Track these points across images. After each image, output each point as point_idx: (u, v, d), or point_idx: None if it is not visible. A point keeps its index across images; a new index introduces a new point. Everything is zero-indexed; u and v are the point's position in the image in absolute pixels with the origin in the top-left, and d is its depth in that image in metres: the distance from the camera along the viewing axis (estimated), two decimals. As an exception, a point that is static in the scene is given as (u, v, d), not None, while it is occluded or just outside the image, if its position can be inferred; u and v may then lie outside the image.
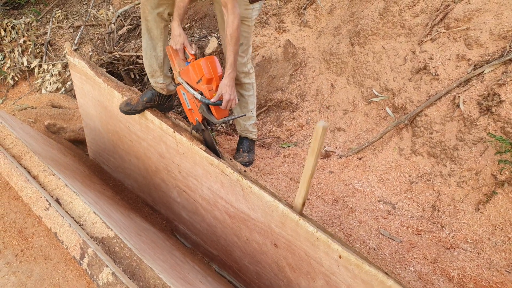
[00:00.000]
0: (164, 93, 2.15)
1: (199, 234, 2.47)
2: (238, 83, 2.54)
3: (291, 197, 2.30)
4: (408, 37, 2.87)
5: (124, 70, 3.58)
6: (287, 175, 2.55)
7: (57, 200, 1.76)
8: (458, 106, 2.22)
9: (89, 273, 1.39)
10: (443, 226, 1.99)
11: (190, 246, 2.68)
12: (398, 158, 2.44)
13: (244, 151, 2.73)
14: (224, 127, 3.41)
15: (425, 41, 2.72)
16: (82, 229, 1.62)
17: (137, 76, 3.63)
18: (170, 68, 2.14)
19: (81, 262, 1.43)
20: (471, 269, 1.71)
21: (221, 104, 1.83)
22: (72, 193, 1.76)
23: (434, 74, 2.48)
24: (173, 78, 2.20)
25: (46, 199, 1.64)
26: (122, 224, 2.01)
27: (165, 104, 2.15)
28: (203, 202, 2.16)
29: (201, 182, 2.05)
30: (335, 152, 2.75)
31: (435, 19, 2.72)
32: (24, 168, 1.84)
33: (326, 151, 2.79)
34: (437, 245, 1.89)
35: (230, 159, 2.18)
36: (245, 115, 2.51)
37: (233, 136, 3.23)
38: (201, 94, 1.86)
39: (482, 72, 2.28)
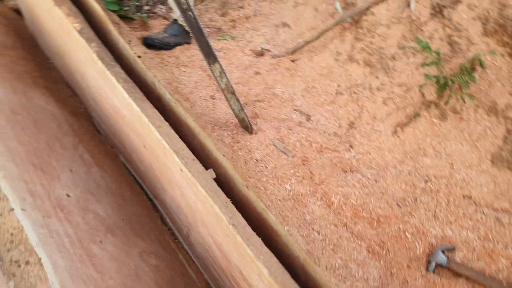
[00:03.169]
0: None
1: (104, 122, 2.25)
2: None
3: (194, 94, 2.00)
4: None
5: None
6: (205, 70, 2.21)
7: None
8: (408, 5, 1.78)
9: None
10: (351, 147, 1.72)
11: (104, 134, 2.49)
12: (333, 64, 2.07)
13: (166, 32, 2.42)
14: (164, 10, 2.96)
15: None
16: None
17: None
18: None
19: None
20: (357, 197, 1.48)
21: None
22: None
23: (398, -38, 1.97)
24: None
25: None
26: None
27: None
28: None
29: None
30: (270, 51, 2.36)
31: None
32: None
33: (262, 48, 2.41)
34: (334, 166, 1.63)
35: (129, 41, 1.85)
36: None
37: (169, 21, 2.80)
38: None
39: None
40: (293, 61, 2.24)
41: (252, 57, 2.39)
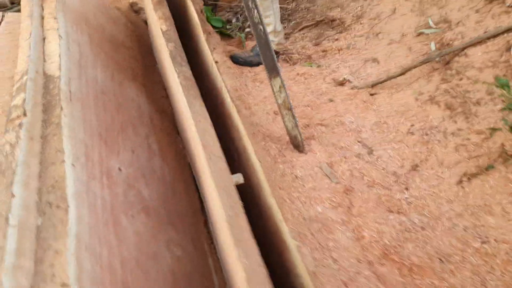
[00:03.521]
0: None
1: (179, 122, 2.43)
2: None
3: (258, 106, 2.04)
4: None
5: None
6: (281, 88, 2.25)
7: (44, 39, 1.87)
8: (509, 49, 1.59)
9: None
10: (407, 188, 1.55)
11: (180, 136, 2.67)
12: (412, 102, 1.93)
13: (252, 51, 2.55)
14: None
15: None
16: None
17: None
18: None
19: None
20: (393, 238, 1.31)
21: None
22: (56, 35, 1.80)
23: (509, 5, 1.79)
24: None
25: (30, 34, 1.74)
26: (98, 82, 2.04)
27: None
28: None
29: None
30: (351, 82, 2.31)
31: None
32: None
33: (344, 79, 2.37)
34: (381, 203, 1.48)
35: (214, 48, 2.02)
36: None
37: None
38: None
39: None
40: (371, 94, 2.15)
41: (331, 85, 2.36)
